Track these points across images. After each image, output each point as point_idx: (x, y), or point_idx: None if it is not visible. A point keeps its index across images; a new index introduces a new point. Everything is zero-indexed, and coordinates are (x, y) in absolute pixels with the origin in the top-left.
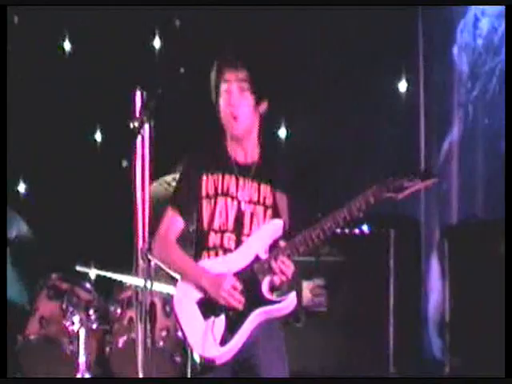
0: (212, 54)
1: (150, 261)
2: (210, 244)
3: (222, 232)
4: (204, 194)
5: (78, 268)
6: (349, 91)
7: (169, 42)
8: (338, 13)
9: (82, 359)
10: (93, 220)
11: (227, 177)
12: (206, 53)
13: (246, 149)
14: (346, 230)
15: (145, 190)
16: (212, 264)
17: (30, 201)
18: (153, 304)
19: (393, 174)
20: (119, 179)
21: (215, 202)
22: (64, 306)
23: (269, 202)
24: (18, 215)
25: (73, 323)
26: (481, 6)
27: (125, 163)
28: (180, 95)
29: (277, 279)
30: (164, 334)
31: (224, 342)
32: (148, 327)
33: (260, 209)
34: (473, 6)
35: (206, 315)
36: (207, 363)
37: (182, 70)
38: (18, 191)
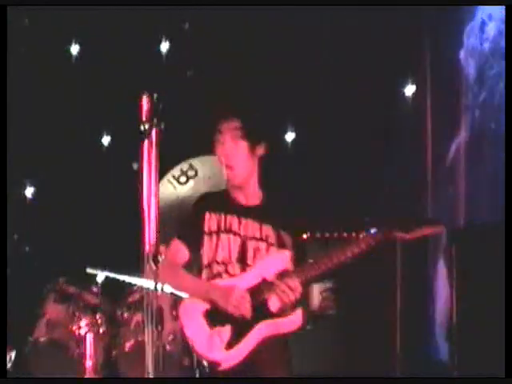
0: (219, 57)
1: (157, 263)
2: (215, 271)
3: (226, 264)
4: (207, 230)
5: (88, 270)
6: (355, 96)
7: (176, 46)
8: (343, 15)
9: (89, 363)
10: (100, 224)
11: (229, 217)
12: (214, 56)
13: (247, 194)
14: (354, 234)
15: (152, 192)
16: (219, 282)
17: (37, 205)
18: (160, 308)
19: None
20: (127, 182)
21: (218, 238)
22: (71, 310)
23: (271, 240)
24: None
25: (80, 327)
26: (487, 11)
27: (135, 166)
28: (187, 98)
29: (285, 297)
30: (171, 337)
31: (230, 346)
32: (156, 331)
33: (263, 245)
34: (480, 11)
35: (212, 325)
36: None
37: (189, 73)
38: (25, 195)
